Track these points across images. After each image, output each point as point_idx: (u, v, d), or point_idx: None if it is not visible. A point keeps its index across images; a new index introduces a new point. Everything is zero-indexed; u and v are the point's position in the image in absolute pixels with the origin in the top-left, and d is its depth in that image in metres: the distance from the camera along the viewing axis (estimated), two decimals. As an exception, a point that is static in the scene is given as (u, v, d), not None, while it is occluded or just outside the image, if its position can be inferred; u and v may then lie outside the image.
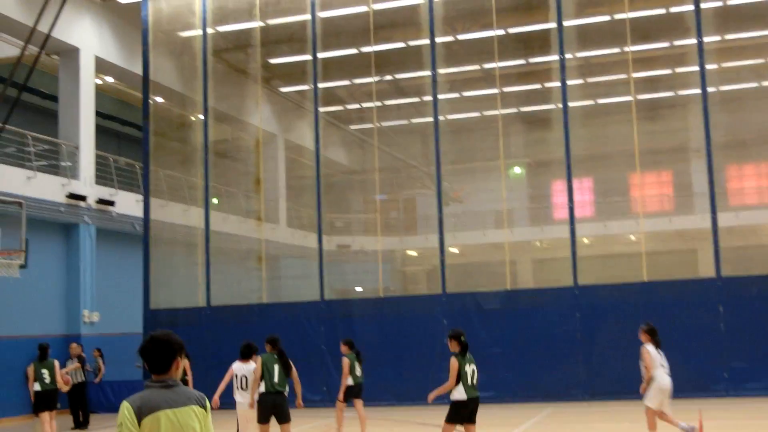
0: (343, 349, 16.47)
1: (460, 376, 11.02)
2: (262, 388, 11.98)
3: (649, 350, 13.30)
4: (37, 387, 15.85)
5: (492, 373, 21.80)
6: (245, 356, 13.35)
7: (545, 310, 22.07)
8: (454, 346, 11.21)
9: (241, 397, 13.04)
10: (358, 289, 29.39)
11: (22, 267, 17.76)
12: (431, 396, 11.44)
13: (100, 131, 29.12)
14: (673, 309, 21.19)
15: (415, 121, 31.24)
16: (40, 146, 26.06)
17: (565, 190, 23.21)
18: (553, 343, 21.69)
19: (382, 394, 22.20)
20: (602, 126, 27.37)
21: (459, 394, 11.05)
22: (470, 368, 11.12)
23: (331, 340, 23.21)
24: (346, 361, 16.12)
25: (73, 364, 21.68)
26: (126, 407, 4.81)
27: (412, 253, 31.75)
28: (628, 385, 20.95)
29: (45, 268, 24.88)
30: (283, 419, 12.48)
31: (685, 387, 20.39)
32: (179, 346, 5.07)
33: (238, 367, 13.39)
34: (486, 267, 27.24)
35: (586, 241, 25.64)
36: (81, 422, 21.73)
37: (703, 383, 20.56)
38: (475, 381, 11.19)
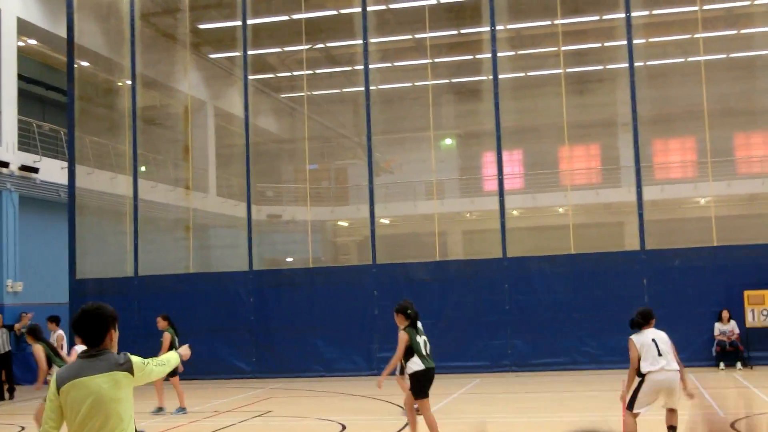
0: (162, 324, 16.68)
1: (414, 348, 10.86)
2: (419, 363, 11.03)
3: (633, 340, 10.39)
4: None
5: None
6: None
7: (474, 282, 22.27)
8: (401, 320, 11.02)
9: None
10: (289, 259, 29.28)
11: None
12: (381, 380, 11.27)
13: (23, 96, 28.33)
14: (599, 280, 21.60)
15: (346, 90, 31.07)
16: (-40, 111, 25.27)
17: (495, 162, 23.39)
18: (483, 314, 21.93)
19: (312, 365, 22.25)
20: (532, 98, 27.57)
21: (416, 365, 10.91)
22: (422, 339, 10.97)
23: (260, 310, 23.14)
24: (166, 336, 16.39)
25: None
26: (53, 378, 5.05)
27: (343, 223, 31.72)
28: (556, 355, 21.38)
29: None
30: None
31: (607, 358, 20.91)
32: (111, 318, 5.14)
33: None
34: (416, 238, 27.36)
35: (515, 213, 25.90)
36: (6, 393, 21.31)
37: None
38: (428, 351, 11.03)
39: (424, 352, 10.91)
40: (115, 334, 5.17)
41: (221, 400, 18.15)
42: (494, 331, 21.78)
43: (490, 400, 17.12)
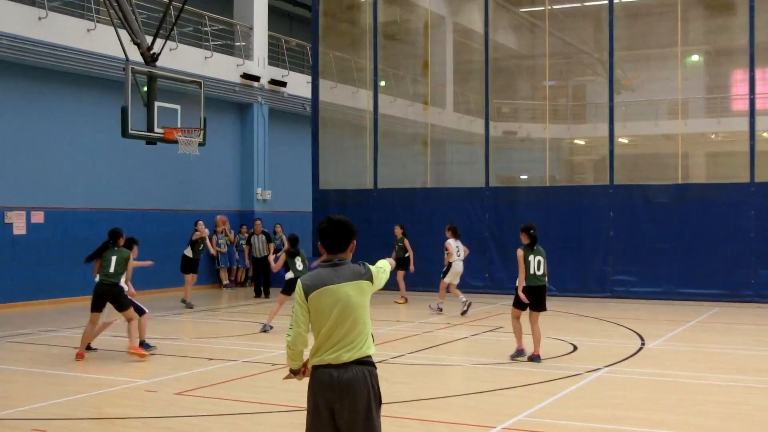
0: (398, 232, 21.03)
1: (526, 265, 12.10)
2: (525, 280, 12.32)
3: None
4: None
5: (658, 267, 21.41)
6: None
7: (717, 206, 21.31)
8: (524, 238, 12.37)
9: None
10: (524, 177, 29.14)
11: (200, 144, 18.50)
12: (520, 290, 12.28)
13: (273, 12, 29.55)
14: None
15: (588, 4, 30.05)
16: (216, 26, 26.74)
17: (747, 81, 22.02)
18: (725, 241, 21.00)
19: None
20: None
21: (524, 282, 12.21)
22: (535, 259, 12.19)
23: (495, 227, 23.30)
24: (406, 243, 21.04)
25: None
26: (298, 284, 5.33)
27: (580, 142, 31.07)
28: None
29: (221, 146, 25.92)
30: None
31: None
32: (354, 230, 5.44)
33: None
34: (656, 159, 26.39)
35: (766, 135, 24.35)
36: (261, 292, 23.02)
37: None
38: (540, 271, 12.22)
39: (533, 271, 12.16)
40: (354, 245, 5.42)
41: (453, 313, 18.59)
42: (736, 259, 20.83)
43: (727, 331, 16.49)
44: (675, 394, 10.27)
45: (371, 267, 5.41)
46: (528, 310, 12.36)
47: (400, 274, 20.97)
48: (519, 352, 12.56)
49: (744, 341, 15.00)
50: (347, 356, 5.16)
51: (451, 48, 30.42)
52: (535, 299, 12.27)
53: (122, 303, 12.56)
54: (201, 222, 20.21)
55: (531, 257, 12.20)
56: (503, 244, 22.72)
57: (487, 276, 23.17)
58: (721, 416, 9.22)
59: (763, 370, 11.95)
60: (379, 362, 10.98)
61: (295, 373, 5.55)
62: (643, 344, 14.11)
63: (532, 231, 12.35)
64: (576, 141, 30.86)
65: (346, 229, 5.36)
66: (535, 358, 12.28)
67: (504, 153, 26.89)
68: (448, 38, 30.56)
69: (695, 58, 29.89)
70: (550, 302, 20.93)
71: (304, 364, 5.45)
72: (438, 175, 26.87)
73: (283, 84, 28.02)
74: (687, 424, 8.87)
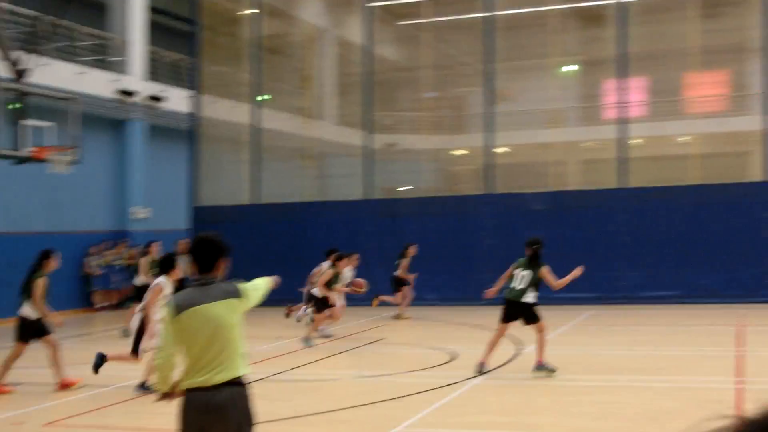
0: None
1: (511, 278, 11.98)
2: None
3: None
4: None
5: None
6: None
7: (591, 212, 22.00)
8: (527, 252, 12.13)
9: None
10: (405, 188, 29.46)
11: (74, 163, 18.04)
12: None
13: (152, 26, 29.07)
14: (719, 212, 21.03)
15: (467, 16, 30.61)
16: (91, 41, 26.14)
17: (617, 90, 22.89)
18: (597, 245, 21.67)
19: (425, 293, 22.23)
20: (658, 23, 26.59)
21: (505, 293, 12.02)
22: (519, 273, 11.89)
23: (376, 239, 23.43)
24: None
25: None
26: (167, 305, 5.28)
27: (460, 152, 31.60)
28: (671, 288, 21.00)
29: (96, 164, 25.23)
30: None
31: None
32: (225, 248, 5.36)
33: None
34: (533, 167, 27.08)
35: (636, 142, 25.26)
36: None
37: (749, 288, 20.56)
38: (519, 285, 11.84)
39: (511, 285, 11.94)
40: (225, 264, 5.36)
41: (334, 326, 18.59)
42: (609, 262, 21.52)
43: (600, 333, 17.03)
44: (549, 397, 10.55)
45: (242, 285, 5.36)
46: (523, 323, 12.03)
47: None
48: (482, 365, 12.12)
49: (616, 342, 15.53)
50: (219, 378, 5.08)
51: (333, 61, 30.56)
52: (509, 314, 11.96)
53: None
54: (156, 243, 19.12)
55: (515, 270, 12.03)
56: (385, 256, 22.86)
57: (371, 287, 23.22)
58: (593, 416, 9.51)
59: (634, 370, 12.38)
60: (258, 380, 10.99)
61: (166, 396, 5.45)
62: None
63: (534, 246, 12.13)
64: (456, 151, 31.36)
65: (214, 247, 5.31)
66: (541, 366, 11.90)
67: (385, 165, 27.10)
68: (329, 51, 30.69)
69: (569, 68, 30.80)
70: (428, 310, 21.24)
71: (175, 386, 5.40)
72: (320, 188, 26.92)
73: (163, 99, 27.58)
74: (560, 425, 9.13)
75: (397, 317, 20.06)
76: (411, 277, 20.32)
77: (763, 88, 22.39)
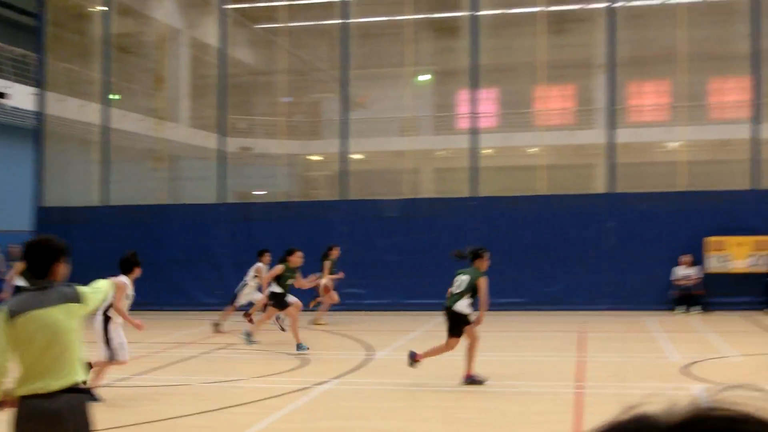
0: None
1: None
2: None
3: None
4: None
5: (389, 279, 22.12)
6: None
7: (443, 219, 22.38)
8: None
9: None
10: (259, 192, 29.24)
11: None
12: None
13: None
14: (565, 222, 21.79)
15: (324, 22, 30.67)
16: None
17: (470, 100, 23.41)
18: (449, 251, 22.02)
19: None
20: (510, 37, 27.34)
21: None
22: (457, 278, 11.88)
23: (229, 243, 23.14)
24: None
25: None
26: (2, 310, 5.01)
27: (315, 158, 31.60)
28: (519, 295, 21.61)
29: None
30: None
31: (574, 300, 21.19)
32: (60, 251, 5.15)
33: None
34: (387, 174, 27.34)
35: (487, 152, 25.89)
36: None
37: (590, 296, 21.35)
38: (454, 290, 11.83)
39: (449, 292, 11.87)
40: (63, 267, 5.19)
41: (184, 331, 18.28)
42: (458, 269, 21.88)
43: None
44: (399, 402, 10.63)
45: (82, 289, 5.19)
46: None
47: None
48: (471, 377, 11.83)
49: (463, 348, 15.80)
50: (56, 384, 4.91)
51: (187, 62, 30.03)
52: (448, 322, 11.94)
53: None
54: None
55: (457, 276, 11.98)
56: (238, 261, 22.59)
57: (220, 293, 22.89)
58: (441, 421, 9.65)
59: (489, 374, 12.62)
60: (104, 386, 10.62)
61: (-1, 404, 5.22)
62: (371, 355, 14.51)
63: (469, 252, 12.15)
64: (311, 157, 31.35)
65: (48, 251, 5.12)
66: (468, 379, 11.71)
67: (240, 169, 26.85)
68: (183, 52, 30.14)
69: (423, 77, 31.29)
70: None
71: (8, 394, 5.14)
72: (172, 190, 26.37)
73: (6, 96, 26.39)
74: (407, 430, 9.22)
75: (316, 322, 19.54)
76: (334, 278, 19.69)
77: (606, 103, 23.35)
